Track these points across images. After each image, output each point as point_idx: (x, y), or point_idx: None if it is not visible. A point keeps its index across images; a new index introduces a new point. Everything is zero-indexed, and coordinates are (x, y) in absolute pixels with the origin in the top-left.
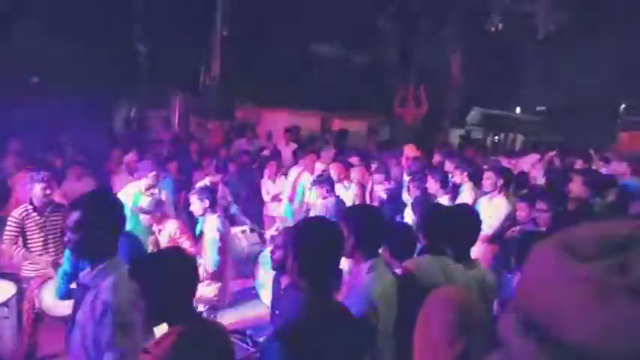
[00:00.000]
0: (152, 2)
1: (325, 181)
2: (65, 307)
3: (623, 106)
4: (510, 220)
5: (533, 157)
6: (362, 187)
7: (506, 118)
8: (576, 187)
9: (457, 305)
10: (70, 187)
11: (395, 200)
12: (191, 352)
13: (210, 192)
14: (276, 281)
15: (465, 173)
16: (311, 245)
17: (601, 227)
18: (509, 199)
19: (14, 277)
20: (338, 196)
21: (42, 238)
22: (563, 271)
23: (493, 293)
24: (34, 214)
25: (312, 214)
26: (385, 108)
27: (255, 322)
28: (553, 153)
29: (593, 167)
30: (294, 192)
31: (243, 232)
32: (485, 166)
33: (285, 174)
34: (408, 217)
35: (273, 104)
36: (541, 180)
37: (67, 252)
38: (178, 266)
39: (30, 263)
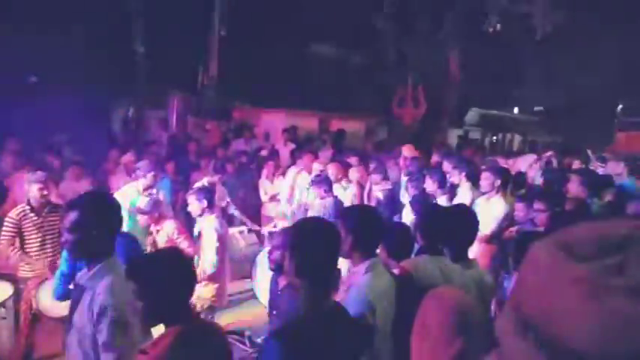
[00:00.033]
0: (150, 2)
1: (323, 182)
2: (62, 308)
3: (620, 106)
4: (508, 220)
5: (531, 157)
6: (361, 187)
7: (504, 119)
8: (574, 187)
9: (455, 305)
10: (68, 187)
11: (393, 200)
12: (188, 353)
13: (208, 192)
14: (273, 281)
15: (463, 173)
16: (309, 245)
17: (599, 227)
18: (507, 200)
19: (11, 278)
20: (336, 197)
21: (39, 239)
22: (561, 271)
23: (491, 293)
24: (32, 214)
25: (310, 214)
26: (383, 108)
27: (253, 323)
28: (550, 153)
29: (591, 167)
30: (292, 192)
31: (241, 232)
32: (483, 167)
33: (283, 174)
34: (406, 217)
35: (270, 104)
36: (539, 180)
37: (64, 253)
38: (176, 267)
39: (27, 264)
